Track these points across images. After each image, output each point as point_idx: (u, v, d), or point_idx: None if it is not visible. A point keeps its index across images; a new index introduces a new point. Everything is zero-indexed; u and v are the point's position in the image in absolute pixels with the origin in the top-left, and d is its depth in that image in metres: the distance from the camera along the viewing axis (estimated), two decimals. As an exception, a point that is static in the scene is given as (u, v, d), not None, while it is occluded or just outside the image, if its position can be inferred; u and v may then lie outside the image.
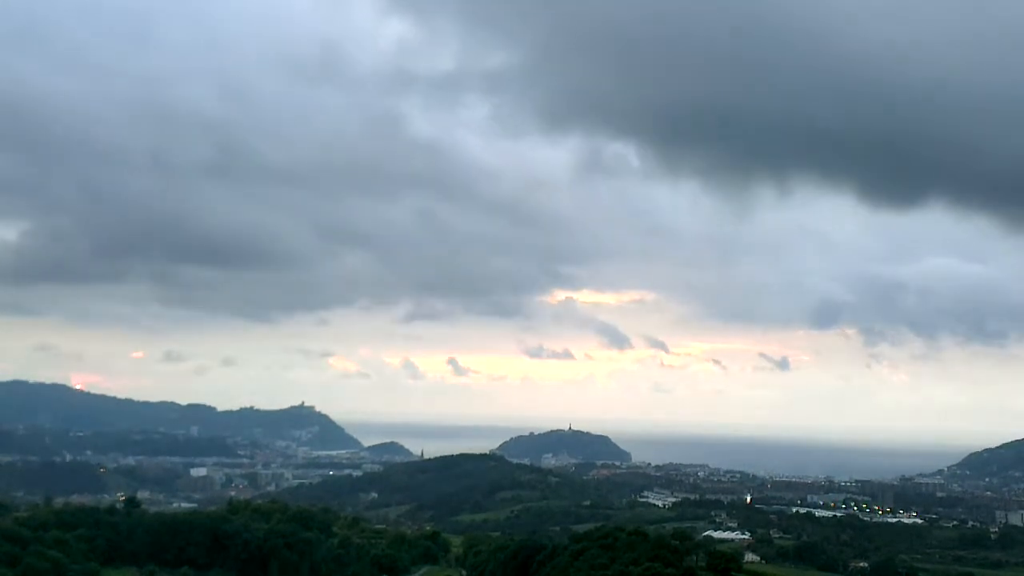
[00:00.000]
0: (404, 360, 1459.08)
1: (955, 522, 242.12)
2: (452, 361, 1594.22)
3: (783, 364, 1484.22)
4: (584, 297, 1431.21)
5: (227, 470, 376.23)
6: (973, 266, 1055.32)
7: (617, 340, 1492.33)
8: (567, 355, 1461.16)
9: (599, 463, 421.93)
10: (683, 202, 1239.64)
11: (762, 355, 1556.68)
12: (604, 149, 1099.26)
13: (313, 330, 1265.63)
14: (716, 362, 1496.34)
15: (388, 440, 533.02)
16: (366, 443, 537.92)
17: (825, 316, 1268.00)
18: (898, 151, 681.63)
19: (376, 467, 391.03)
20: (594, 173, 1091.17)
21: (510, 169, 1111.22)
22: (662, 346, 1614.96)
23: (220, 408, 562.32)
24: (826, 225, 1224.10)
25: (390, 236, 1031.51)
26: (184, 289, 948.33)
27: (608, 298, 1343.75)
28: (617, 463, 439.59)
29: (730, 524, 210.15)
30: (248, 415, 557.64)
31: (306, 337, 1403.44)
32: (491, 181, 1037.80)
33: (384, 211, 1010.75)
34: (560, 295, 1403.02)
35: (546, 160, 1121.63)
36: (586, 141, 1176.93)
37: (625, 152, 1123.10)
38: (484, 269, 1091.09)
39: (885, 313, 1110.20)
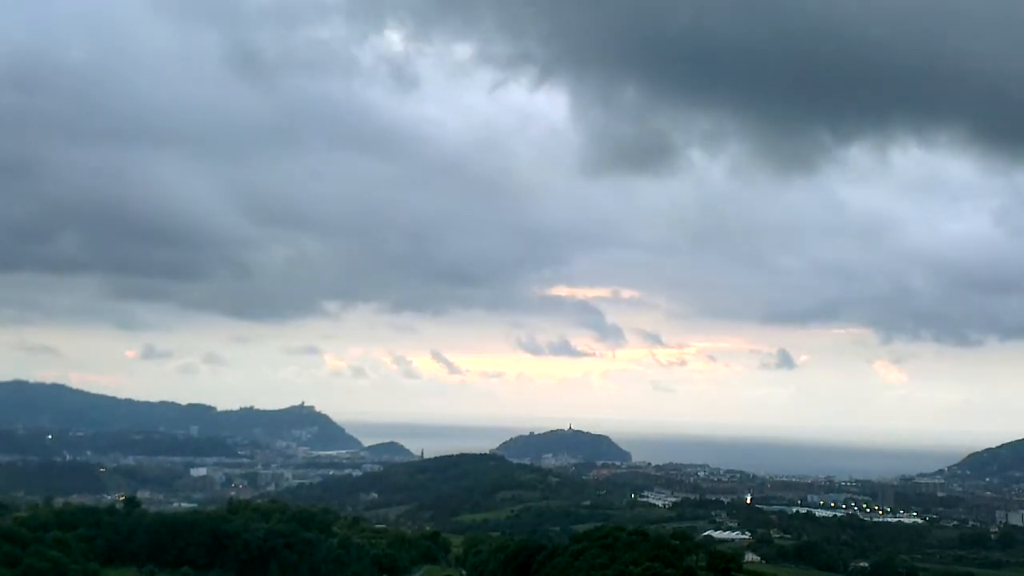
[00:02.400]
0: (396, 358, 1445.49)
1: (955, 522, 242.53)
2: (445, 359, 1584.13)
3: (783, 363, 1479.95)
4: (575, 291, 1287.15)
5: (227, 470, 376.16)
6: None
7: (614, 337, 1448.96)
8: (564, 353, 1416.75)
9: (599, 463, 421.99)
10: (680, 171, 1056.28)
11: (762, 353, 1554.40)
12: (583, 98, 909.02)
13: (298, 328, 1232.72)
14: (714, 360, 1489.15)
15: (388, 440, 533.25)
16: (366, 443, 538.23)
17: (827, 312, 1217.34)
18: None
19: (376, 467, 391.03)
20: (574, 130, 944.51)
21: (456, 122, 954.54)
22: (661, 343, 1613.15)
23: (220, 408, 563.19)
24: (830, 204, 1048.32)
25: (335, 215, 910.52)
26: (142, 281, 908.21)
27: (599, 292, 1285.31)
28: (617, 463, 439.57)
29: (730, 524, 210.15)
30: (248, 415, 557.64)
31: (291, 336, 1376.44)
32: (436, 138, 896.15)
33: (317, 182, 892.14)
34: (549, 289, 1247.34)
35: (506, 112, 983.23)
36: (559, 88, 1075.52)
37: (610, 105, 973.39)
38: (457, 254, 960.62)
39: (886, 308, 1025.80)
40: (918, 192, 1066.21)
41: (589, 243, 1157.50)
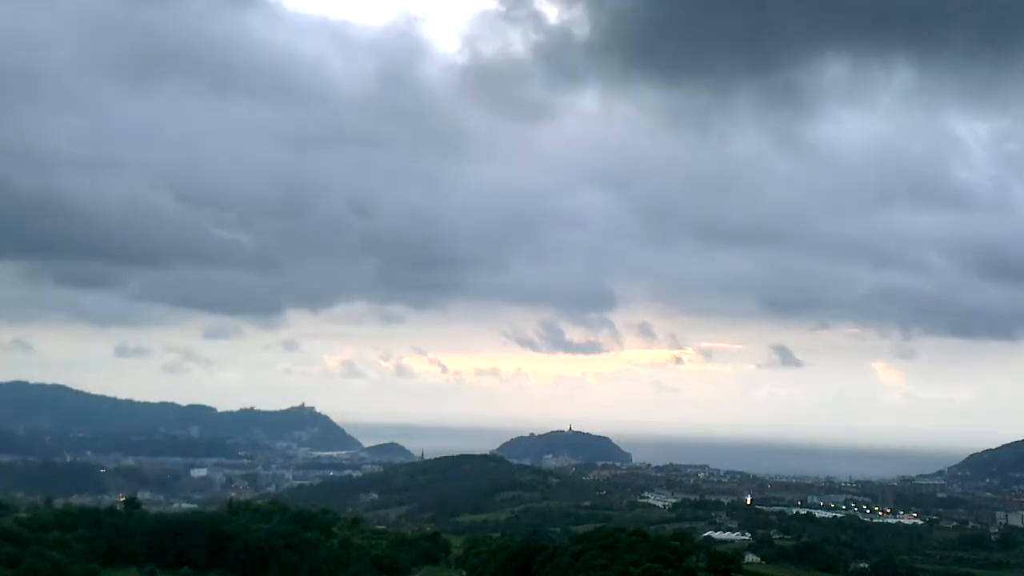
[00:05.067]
0: (384, 356, 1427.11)
1: (955, 523, 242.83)
2: (437, 358, 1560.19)
3: (782, 363, 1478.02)
4: (564, 278, 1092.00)
5: (227, 471, 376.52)
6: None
7: (610, 332, 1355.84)
8: (560, 348, 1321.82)
9: (599, 464, 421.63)
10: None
11: (761, 353, 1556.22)
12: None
13: (275, 323, 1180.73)
14: (712, 360, 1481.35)
15: (388, 441, 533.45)
16: (366, 443, 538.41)
17: (826, 309, 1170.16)
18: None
19: (376, 468, 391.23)
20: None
21: (376, 51, 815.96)
22: (657, 340, 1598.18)
23: (220, 409, 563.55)
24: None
25: (251, 184, 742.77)
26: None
27: (589, 279, 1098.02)
28: (618, 464, 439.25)
29: (730, 525, 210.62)
30: (248, 416, 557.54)
31: (269, 332, 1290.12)
32: (351, 75, 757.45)
33: (209, 139, 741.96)
34: (534, 275, 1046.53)
35: (446, 27, 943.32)
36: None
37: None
38: (419, 233, 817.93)
39: (885, 304, 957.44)
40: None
41: (572, 216, 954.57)
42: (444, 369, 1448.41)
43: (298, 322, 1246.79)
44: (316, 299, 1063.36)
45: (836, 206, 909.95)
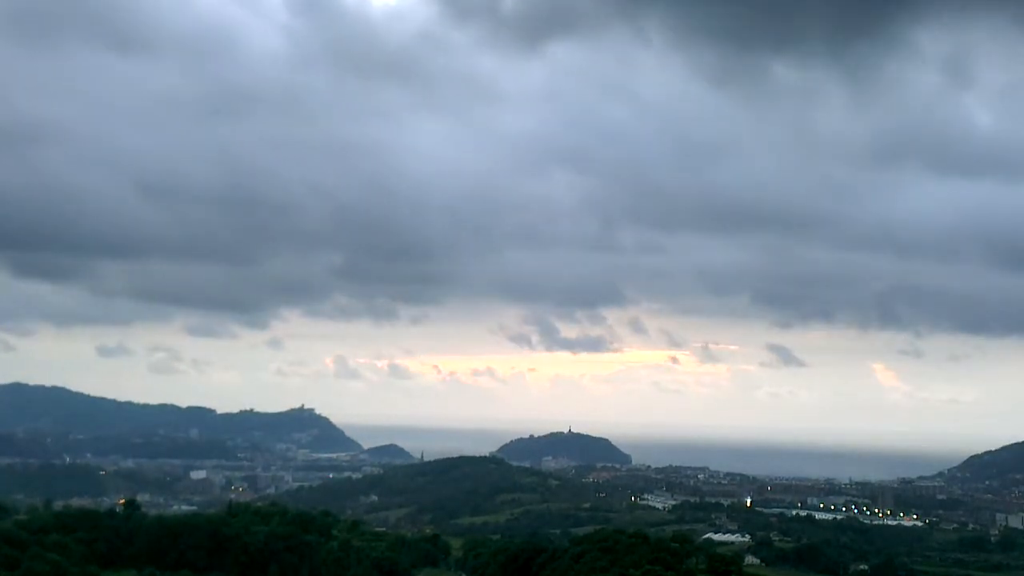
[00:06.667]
0: (377, 356, 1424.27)
1: (955, 525, 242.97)
2: (430, 359, 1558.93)
3: (783, 363, 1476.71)
4: (554, 271, 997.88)
5: (227, 473, 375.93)
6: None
7: (611, 334, 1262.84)
8: (557, 347, 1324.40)
9: (599, 465, 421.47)
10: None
11: (761, 354, 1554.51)
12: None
13: (267, 324, 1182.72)
14: (712, 360, 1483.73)
15: (387, 442, 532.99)
16: (365, 445, 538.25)
17: (824, 310, 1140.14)
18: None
19: (376, 470, 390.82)
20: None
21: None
22: (659, 343, 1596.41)
23: (220, 411, 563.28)
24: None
25: (179, 167, 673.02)
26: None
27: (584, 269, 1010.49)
28: (617, 465, 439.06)
29: (730, 527, 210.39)
30: (248, 418, 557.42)
31: (257, 333, 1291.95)
32: (256, 32, 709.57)
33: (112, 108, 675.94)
34: (522, 269, 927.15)
35: None
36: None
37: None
38: (368, 221, 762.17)
39: (884, 303, 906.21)
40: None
41: (559, 201, 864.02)
42: (439, 370, 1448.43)
43: (285, 318, 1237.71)
44: (296, 294, 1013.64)
45: (842, 187, 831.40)
